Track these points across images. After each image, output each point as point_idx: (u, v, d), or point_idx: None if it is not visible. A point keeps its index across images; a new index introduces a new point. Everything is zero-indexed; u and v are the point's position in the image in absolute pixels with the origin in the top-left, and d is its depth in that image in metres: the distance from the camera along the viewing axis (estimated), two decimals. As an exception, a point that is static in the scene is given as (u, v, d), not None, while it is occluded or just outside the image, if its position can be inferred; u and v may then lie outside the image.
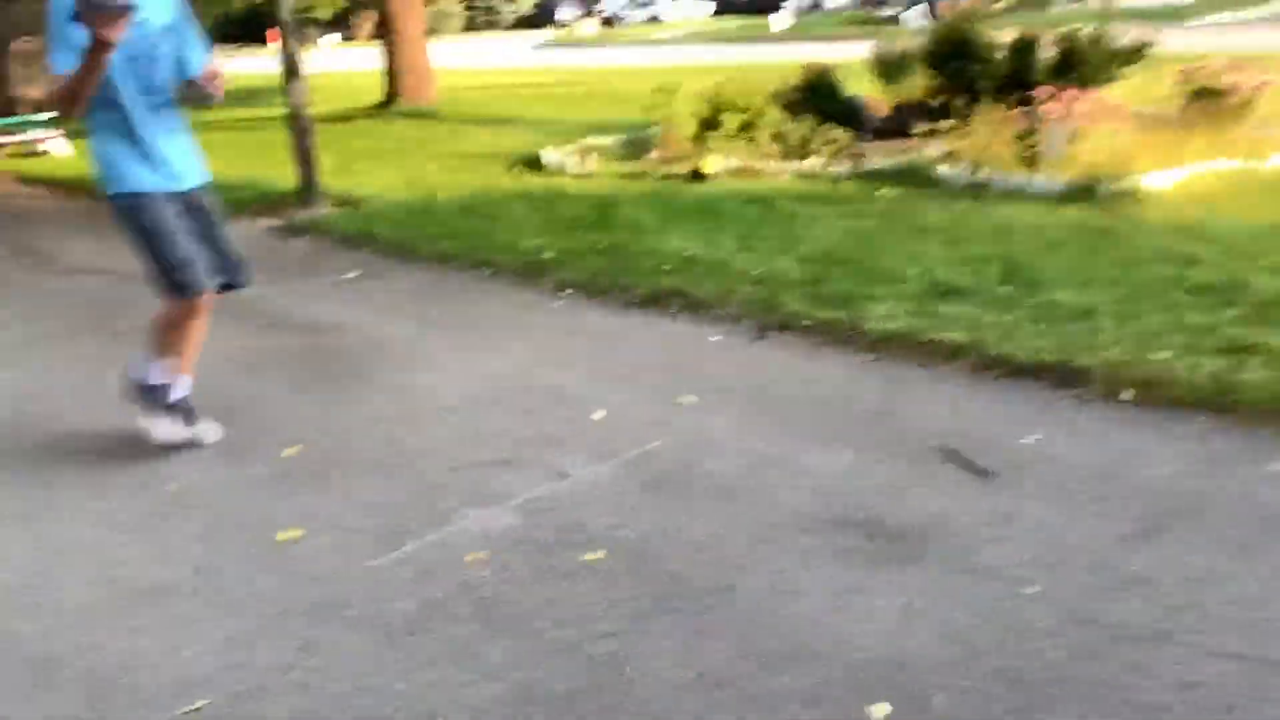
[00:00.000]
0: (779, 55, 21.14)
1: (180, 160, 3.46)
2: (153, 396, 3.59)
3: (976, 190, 6.50)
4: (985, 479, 2.98)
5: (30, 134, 12.35)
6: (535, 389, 3.95)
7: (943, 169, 6.81)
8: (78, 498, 3.28)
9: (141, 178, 3.32)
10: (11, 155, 12.16)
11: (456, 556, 2.74)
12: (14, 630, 2.57)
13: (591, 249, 5.78)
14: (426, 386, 4.08)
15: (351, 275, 5.91)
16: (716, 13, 52.36)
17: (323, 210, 7.58)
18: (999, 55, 8.38)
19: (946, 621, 2.34)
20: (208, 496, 3.22)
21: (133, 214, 3.35)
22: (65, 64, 3.06)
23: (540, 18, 56.74)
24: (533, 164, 8.96)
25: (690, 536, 2.77)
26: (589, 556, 2.70)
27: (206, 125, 14.91)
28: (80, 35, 2.95)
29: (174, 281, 3.39)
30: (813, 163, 7.67)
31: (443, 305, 5.22)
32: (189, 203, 3.47)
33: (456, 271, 5.85)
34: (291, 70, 7.64)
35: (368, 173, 9.08)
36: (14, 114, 16.57)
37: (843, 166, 7.53)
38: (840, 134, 8.32)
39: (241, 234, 7.21)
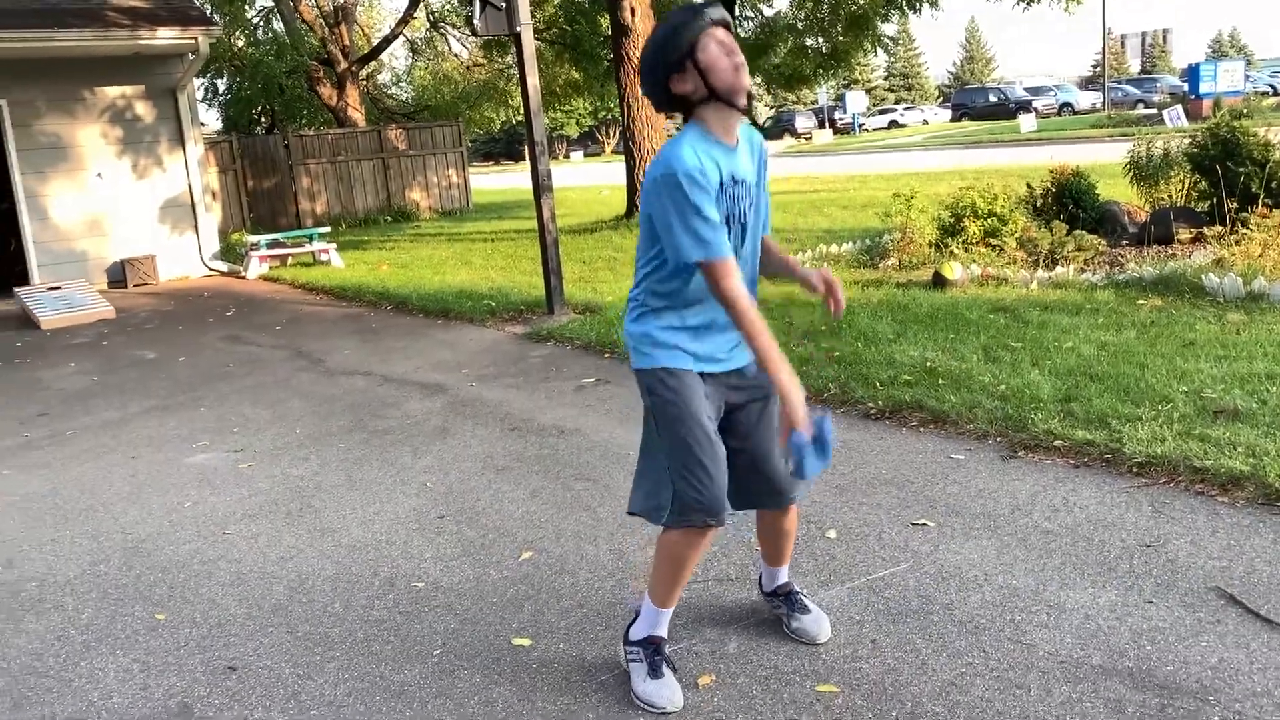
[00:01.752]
0: (1025, 158, 20.59)
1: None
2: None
3: (1252, 302, 5.96)
4: (1275, 629, 2.64)
5: (313, 245, 13.64)
6: (768, 503, 3.87)
7: (1212, 278, 6.31)
8: (333, 590, 3.46)
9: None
10: (295, 264, 13.45)
11: (688, 676, 2.68)
12: None
13: (826, 358, 5.70)
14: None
15: (590, 381, 6.08)
16: (955, 118, 51.82)
17: (565, 318, 7.89)
18: (1275, 156, 7.76)
19: (1236, 797, 2.05)
20: (450, 597, 3.32)
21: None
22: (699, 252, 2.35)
23: (777, 129, 58.00)
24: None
25: (935, 675, 2.59)
26: (823, 687, 2.58)
27: (460, 237, 16.02)
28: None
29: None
30: (1064, 270, 7.31)
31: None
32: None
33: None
34: (541, 187, 8.09)
35: (608, 282, 9.42)
36: (301, 227, 18.46)
37: (1097, 274, 7.13)
38: (1093, 240, 7.92)
39: (489, 340, 7.65)
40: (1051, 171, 9.16)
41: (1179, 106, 29.69)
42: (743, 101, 2.41)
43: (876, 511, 3.70)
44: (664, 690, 2.57)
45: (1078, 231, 7.99)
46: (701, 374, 2.57)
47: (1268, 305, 5.85)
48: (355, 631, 3.13)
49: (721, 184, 2.40)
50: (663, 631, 2.68)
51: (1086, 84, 57.85)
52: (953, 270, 7.38)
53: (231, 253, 14.35)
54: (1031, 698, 2.45)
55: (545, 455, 4.77)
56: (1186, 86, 32.84)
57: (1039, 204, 9.11)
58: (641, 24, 13.82)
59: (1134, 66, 73.75)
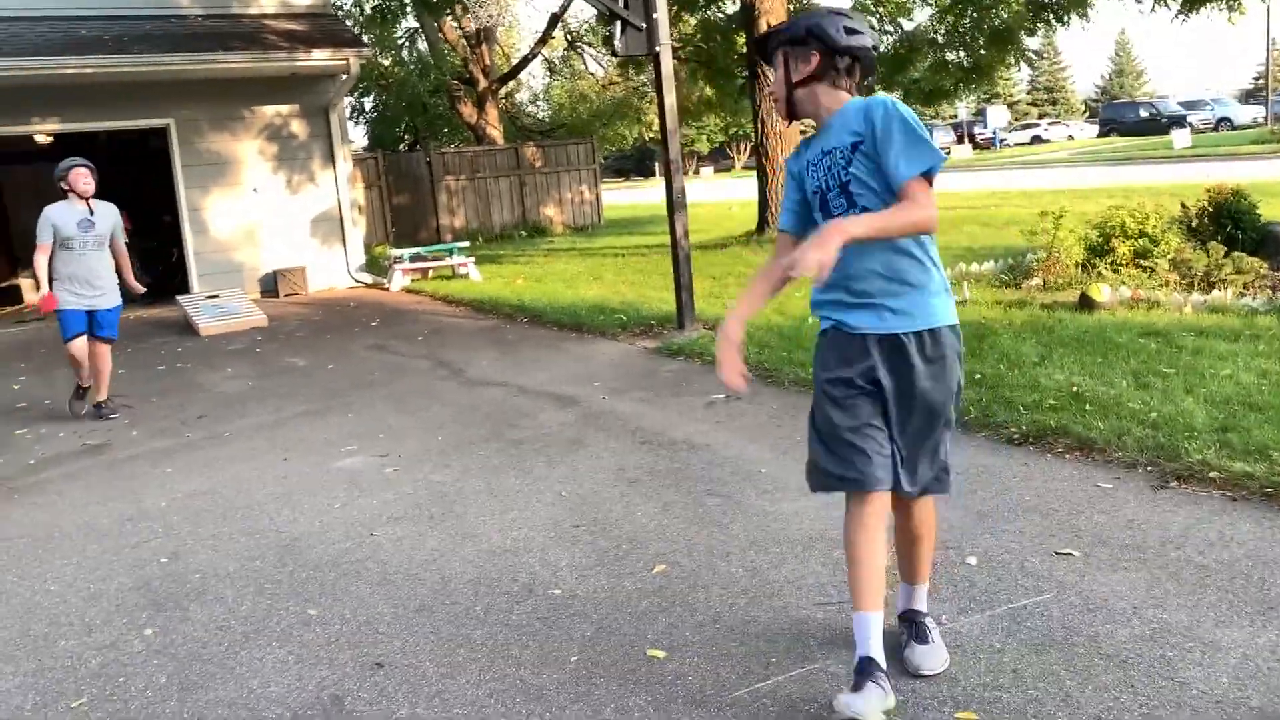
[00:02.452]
0: (1177, 176, 19.70)
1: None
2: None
3: None
4: None
5: (452, 259, 14.07)
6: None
7: (1387, 304, 5.93)
8: (475, 593, 3.57)
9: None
10: (435, 277, 13.90)
11: (821, 696, 2.67)
12: (419, 717, 2.81)
13: (967, 379, 5.56)
14: (790, 515, 4.08)
15: (720, 397, 6.10)
16: (1102, 134, 49.89)
17: (696, 333, 7.94)
18: None
19: None
20: (586, 605, 3.39)
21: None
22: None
23: (911, 143, 56.81)
24: (903, 290, 8.88)
25: (1079, 709, 2.52)
26: (963, 715, 2.53)
27: (592, 252, 16.28)
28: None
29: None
30: (1220, 294, 6.98)
31: (805, 432, 5.21)
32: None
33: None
34: (674, 204, 8.17)
35: (734, 294, 9.41)
36: (441, 241, 19.06)
37: (1257, 299, 6.78)
38: (1254, 263, 7.54)
39: (621, 354, 7.75)
40: (1208, 190, 8.76)
41: (1351, 120, 27.92)
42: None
43: (1019, 539, 3.61)
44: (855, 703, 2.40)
45: (1236, 254, 7.62)
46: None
47: None
48: (496, 635, 3.23)
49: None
50: (866, 648, 2.52)
51: (1247, 97, 54.92)
52: (1101, 292, 7.13)
53: (375, 265, 14.92)
54: (1185, 739, 2.36)
55: (676, 469, 4.81)
56: (1358, 99, 30.86)
57: (1194, 224, 8.72)
58: (777, 41, 13.81)
59: (1299, 78, 69.79)
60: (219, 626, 3.50)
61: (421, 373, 7.76)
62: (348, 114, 19.22)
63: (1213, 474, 3.92)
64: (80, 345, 6.99)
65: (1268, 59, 44.45)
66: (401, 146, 28.00)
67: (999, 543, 3.59)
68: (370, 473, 5.22)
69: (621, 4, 7.80)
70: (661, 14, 7.84)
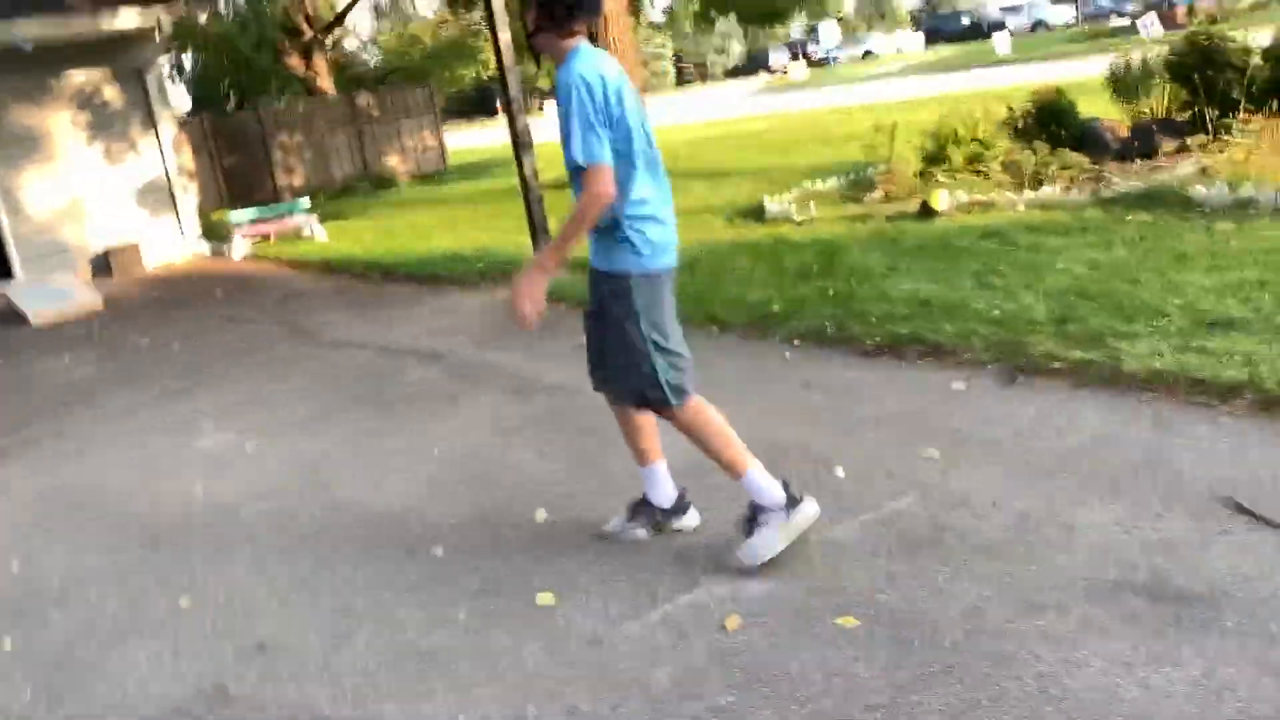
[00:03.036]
0: (1003, 80, 20.45)
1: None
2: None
3: (1240, 209, 5.99)
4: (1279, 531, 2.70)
5: (293, 219, 13.54)
6: (774, 445, 3.90)
7: (1198, 189, 6.32)
8: (354, 562, 3.50)
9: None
10: (279, 241, 13.37)
11: (712, 620, 2.74)
12: (308, 695, 2.76)
13: (820, 297, 5.73)
14: (665, 446, 4.11)
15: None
16: (928, 44, 51.32)
17: (558, 271, 7.86)
18: (1254, 61, 7.74)
19: (1255, 692, 2.12)
20: (473, 561, 3.37)
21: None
22: (599, 155, 2.73)
23: (751, 66, 57.44)
24: (754, 214, 9.01)
25: (955, 603, 2.65)
26: (844, 621, 2.63)
27: (441, 201, 15.90)
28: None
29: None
30: (1050, 191, 7.31)
31: (676, 362, 5.27)
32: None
33: (686, 329, 5.85)
34: (520, 144, 8.03)
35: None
36: (279, 201, 18.31)
37: (1083, 193, 7.13)
38: (1077, 158, 7.91)
39: (480, 304, 7.64)
40: (1033, 93, 9.11)
41: (1153, 14, 29.42)
42: None
43: (882, 447, 3.75)
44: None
45: (1061, 150, 7.97)
46: None
47: (1255, 211, 5.87)
48: (381, 601, 3.18)
49: None
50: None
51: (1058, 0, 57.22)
52: (939, 199, 7.38)
53: (214, 233, 14.23)
54: (1050, 618, 2.51)
55: (553, 415, 4.80)
56: (1160, -5, 32.54)
57: (1020, 126, 9.06)
58: (608, -30, 13.63)
59: (1106, -23, 73.01)
60: (85, 628, 3.34)
61: (277, 341, 7.49)
62: (166, 74, 18.09)
63: (1056, 364, 4.14)
64: None
65: (1077, -39, 46.29)
66: (229, 106, 26.64)
67: (864, 451, 3.72)
68: (232, 451, 5.03)
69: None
70: (487, -51, 7.61)
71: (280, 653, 2.98)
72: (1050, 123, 8.80)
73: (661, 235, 2.97)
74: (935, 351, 4.61)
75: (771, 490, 3.00)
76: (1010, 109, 9.23)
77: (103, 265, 12.90)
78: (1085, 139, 8.55)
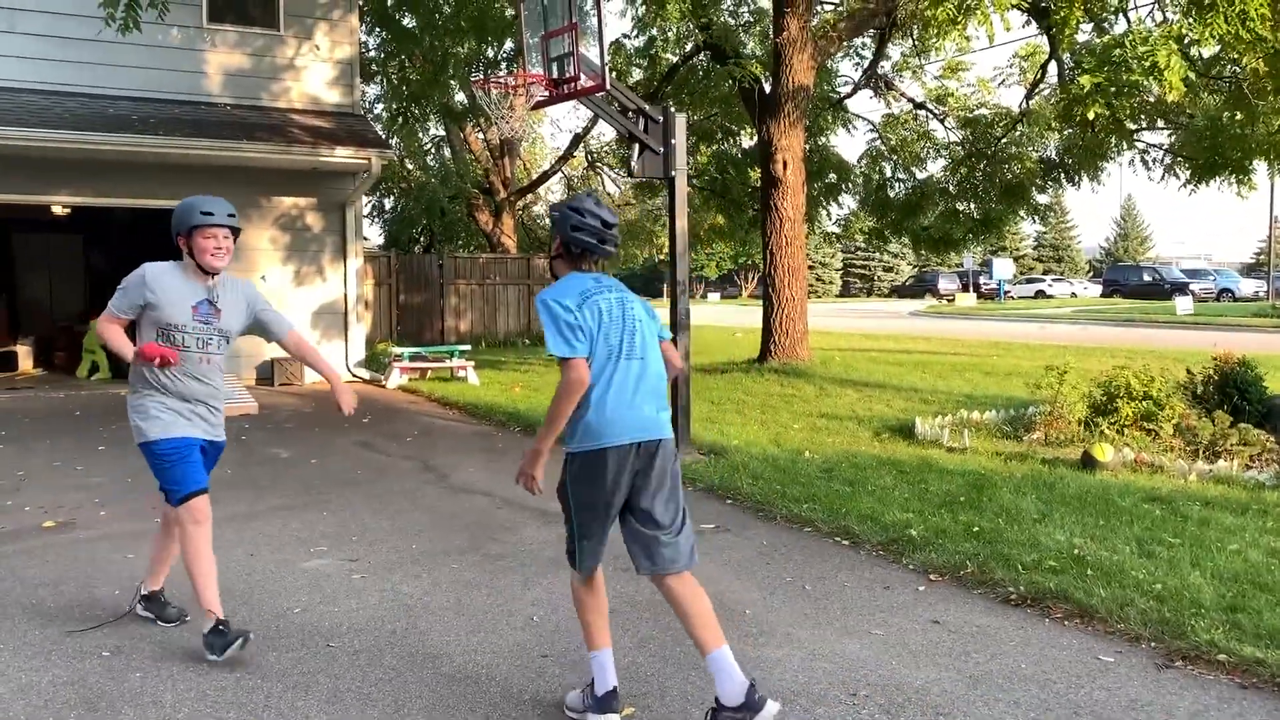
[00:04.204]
0: (1179, 341, 19.79)
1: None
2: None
3: None
4: None
5: (452, 361, 13.99)
6: (891, 686, 3.59)
7: (1399, 489, 5.77)
8: (428, 716, 3.32)
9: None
10: (434, 378, 13.79)
11: None
12: None
13: (964, 532, 5.40)
14: (773, 663, 3.84)
15: (709, 527, 5.89)
16: (1105, 294, 50.53)
17: (690, 458, 7.76)
18: None
19: None
20: (544, 746, 3.14)
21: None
22: (566, 351, 3.20)
23: (918, 288, 57.69)
24: (903, 432, 8.75)
25: None
26: None
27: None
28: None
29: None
30: (1226, 465, 6.82)
31: (798, 572, 5.01)
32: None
33: (815, 536, 5.66)
34: (679, 324, 8.10)
35: (736, 425, 9.28)
36: (444, 342, 19.05)
37: (1264, 473, 6.62)
38: (1260, 435, 7.41)
39: (613, 473, 7.55)
40: (1215, 358, 8.69)
41: (1352, 302, 28.22)
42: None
43: (1014, 710, 3.38)
44: None
45: (1242, 425, 7.49)
46: None
47: None
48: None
49: None
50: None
51: (1249, 271, 55.82)
52: (1105, 452, 6.98)
53: (375, 362, 14.84)
54: None
55: (658, 602, 4.57)
56: (1361, 280, 31.26)
57: (1199, 391, 8.61)
58: (792, 176, 14.02)
59: (1301, 256, 71.03)
60: (149, 735, 3.24)
61: (405, 474, 7.57)
62: (366, 212, 19.48)
63: (1221, 656, 3.70)
64: (202, 506, 4.00)
65: (1270, 235, 45.33)
66: (416, 248, 28.31)
67: (993, 713, 3.36)
68: (337, 577, 4.99)
69: (642, 128, 7.89)
70: (680, 140, 7.92)
71: None
72: (1233, 393, 8.33)
73: (598, 421, 3.23)
74: (1084, 614, 4.22)
75: (602, 679, 3.29)
76: (1190, 372, 8.81)
77: (267, 373, 13.54)
78: (1269, 415, 8.03)
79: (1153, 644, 3.90)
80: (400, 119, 18.47)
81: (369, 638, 4.12)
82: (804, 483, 6.70)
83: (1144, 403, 8.19)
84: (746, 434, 8.72)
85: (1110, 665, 3.75)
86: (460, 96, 20.64)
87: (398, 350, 14.16)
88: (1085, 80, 7.33)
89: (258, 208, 13.63)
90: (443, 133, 27.45)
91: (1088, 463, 7.01)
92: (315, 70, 14.19)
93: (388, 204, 30.70)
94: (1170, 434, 7.80)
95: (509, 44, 17.61)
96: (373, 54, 18.59)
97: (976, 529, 5.44)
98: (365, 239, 18.16)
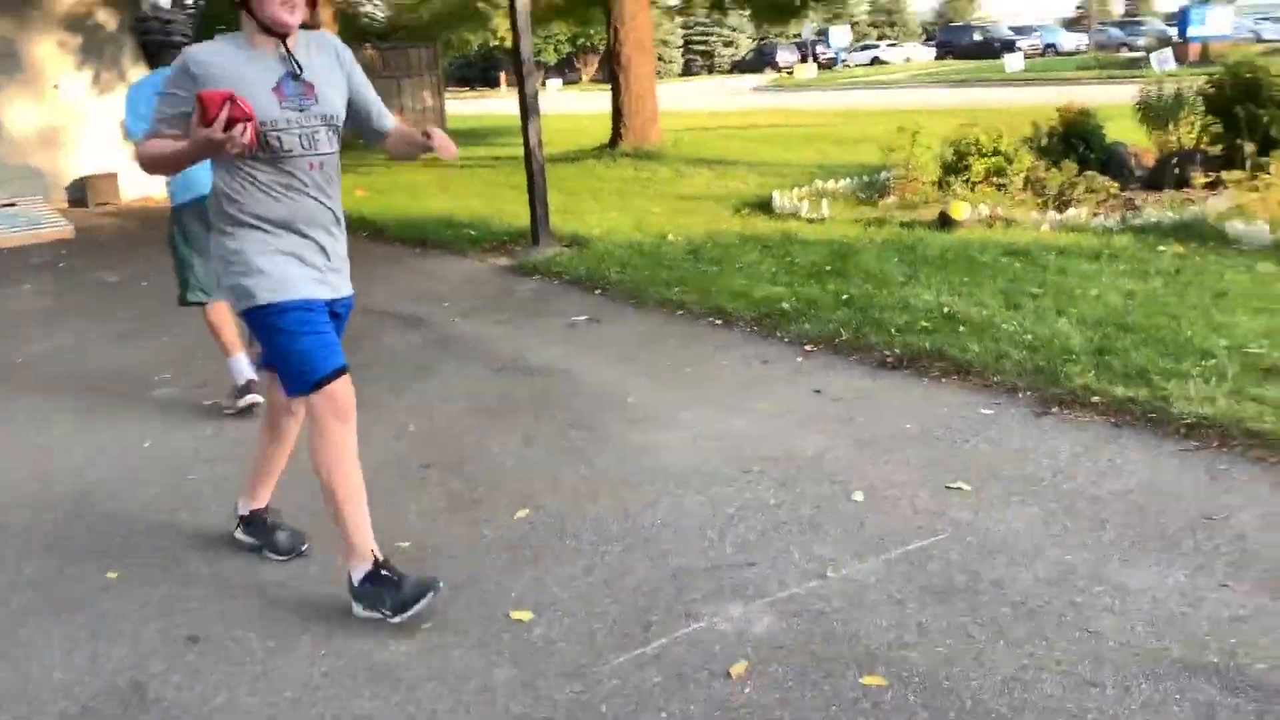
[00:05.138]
0: (1013, 99, 20.14)
1: None
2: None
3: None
4: (1371, 621, 2.37)
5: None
6: (782, 459, 3.56)
7: (1236, 225, 6.00)
8: (311, 552, 3.12)
9: None
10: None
11: (712, 662, 2.37)
12: (253, 698, 2.38)
13: (835, 300, 5.37)
14: (662, 447, 3.76)
15: (582, 319, 5.71)
16: (939, 56, 51.04)
17: (552, 250, 7.49)
18: (1299, 99, 7.43)
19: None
20: (439, 560, 2.99)
21: None
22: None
23: (758, 62, 56.96)
24: (761, 207, 8.65)
25: (994, 668, 2.30)
26: (870, 680, 2.28)
27: (436, 163, 15.40)
28: None
29: None
30: (1075, 213, 6.98)
31: (676, 356, 4.91)
32: None
33: (689, 319, 5.55)
34: (528, 108, 7.62)
35: (595, 213, 8.99)
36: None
37: (1111, 218, 6.80)
38: (1105, 182, 7.58)
39: (472, 272, 7.24)
40: (1059, 110, 8.78)
41: (1168, 50, 29.17)
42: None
43: (905, 470, 3.40)
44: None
45: (1089, 173, 7.64)
46: None
47: (1298, 255, 5.56)
48: (333, 599, 2.79)
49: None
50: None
51: (1070, 25, 57.03)
52: (961, 210, 7.03)
53: (197, 173, 13.72)
54: (1108, 697, 2.16)
55: (537, 398, 4.41)
56: (1174, 30, 32.32)
57: (1044, 144, 8.73)
58: (631, -57, 13.19)
59: (1118, 9, 72.95)
60: (0, 591, 2.94)
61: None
62: (166, 2, 17.55)
63: (1095, 399, 3.79)
64: (346, 392, 2.82)
65: (1092, -11, 46.15)
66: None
67: (884, 475, 3.37)
68: (187, 405, 4.62)
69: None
70: (511, -101, 7.18)
71: (213, 648, 2.60)
72: (1077, 143, 8.48)
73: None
74: (961, 370, 4.26)
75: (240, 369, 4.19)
76: (1035, 125, 8.89)
77: (79, 193, 12.39)
78: (1111, 162, 8.23)
79: (1029, 393, 3.98)
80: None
81: (231, 465, 3.80)
82: (671, 266, 6.55)
83: (994, 158, 8.24)
84: (606, 221, 8.46)
85: (991, 417, 3.81)
86: None
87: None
88: None
89: (36, 8, 12.03)
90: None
91: (945, 222, 7.05)
92: None
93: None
94: (1020, 187, 7.92)
95: None
96: None
97: (846, 297, 5.42)
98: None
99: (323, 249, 2.70)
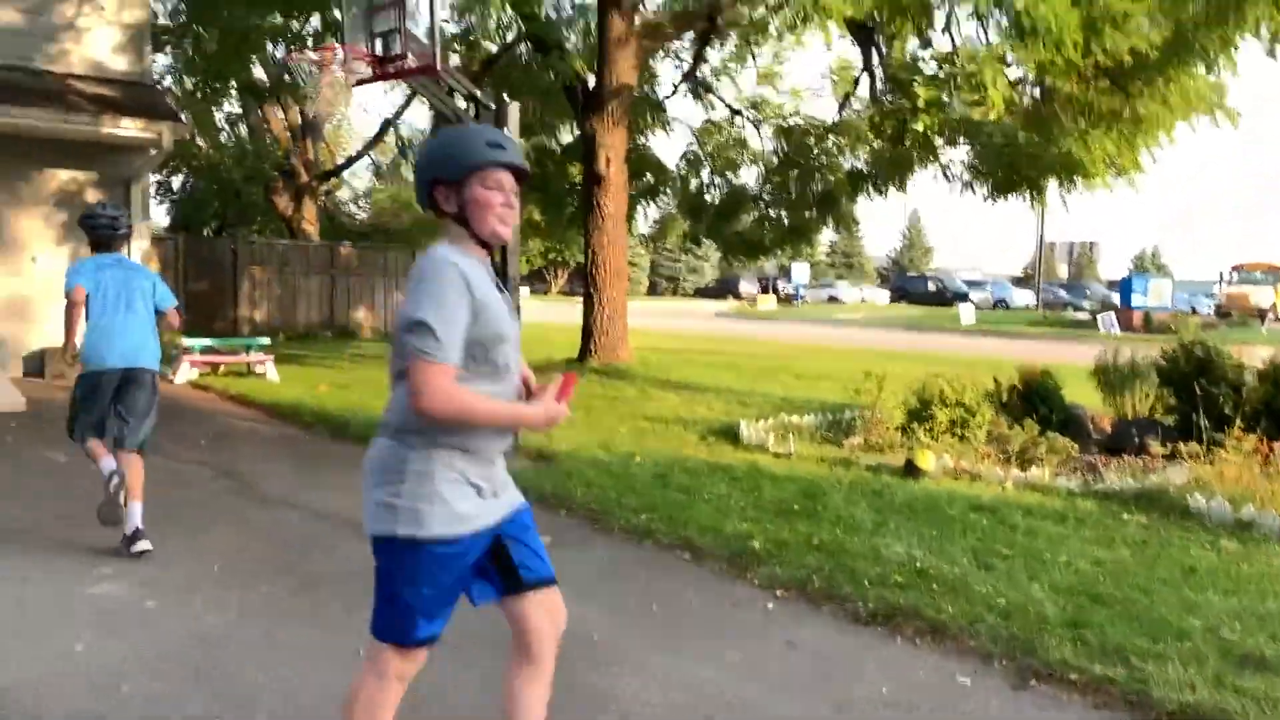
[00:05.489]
0: (968, 347, 20.95)
1: None
2: None
3: (1242, 529, 5.75)
4: None
5: (250, 355, 13.04)
6: (753, 717, 3.40)
7: (1198, 499, 6.11)
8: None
9: None
10: (228, 372, 12.82)
11: None
12: None
13: (805, 543, 5.31)
14: (631, 694, 3.59)
15: (546, 539, 5.56)
16: (893, 299, 53.38)
17: (517, 464, 7.41)
18: (1248, 380, 7.76)
19: None
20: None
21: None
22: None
23: (721, 289, 59.13)
24: (728, 435, 8.70)
25: None
26: None
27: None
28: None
29: None
30: (1038, 472, 7.08)
31: (642, 591, 4.78)
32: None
33: (656, 548, 5.45)
34: (508, 324, 7.74)
35: (561, 429, 8.95)
36: (237, 334, 17.83)
37: (1074, 480, 6.91)
38: (1065, 444, 7.75)
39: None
40: (1020, 369, 9.09)
41: (1112, 314, 30.87)
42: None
43: (884, 742, 3.25)
44: None
45: (1051, 434, 7.82)
46: None
47: (1260, 535, 5.63)
48: None
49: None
50: None
51: (1018, 283, 60.22)
52: (928, 459, 7.11)
53: (162, 353, 13.66)
54: None
55: (500, 631, 4.22)
56: (1118, 297, 34.21)
57: (1005, 399, 8.99)
58: (616, 174, 13.87)
59: (1062, 272, 77.38)
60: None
61: (202, 484, 6.87)
62: (153, 191, 17.97)
63: (1073, 675, 3.71)
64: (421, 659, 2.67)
65: (1040, 251, 49.09)
66: (207, 231, 26.53)
67: (863, 745, 3.22)
68: (128, 605, 4.38)
69: (472, 115, 7.49)
70: (513, 130, 7.55)
71: None
72: (1036, 401, 8.72)
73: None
74: (935, 631, 4.17)
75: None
76: (996, 381, 9.17)
77: (37, 365, 12.24)
78: (1070, 424, 8.45)
79: (1005, 662, 3.88)
80: (197, 93, 17.13)
81: (168, 681, 3.59)
82: (639, 491, 6.49)
83: (957, 409, 8.44)
84: (573, 437, 8.45)
85: (968, 689, 3.70)
86: (261, 74, 19.42)
87: (187, 341, 13.07)
88: (922, 93, 7.47)
89: (28, 181, 12.28)
90: (239, 109, 25.83)
91: (911, 470, 7.12)
92: (100, 33, 12.89)
93: (175, 183, 28.67)
94: (983, 440, 8.06)
95: (315, 20, 16.66)
96: (165, 21, 17.17)
97: (816, 541, 5.36)
98: (150, 220, 16.75)
99: (498, 472, 2.55)
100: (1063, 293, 48.98)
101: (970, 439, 8.16)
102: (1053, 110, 10.77)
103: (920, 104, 7.53)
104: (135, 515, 5.14)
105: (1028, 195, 13.32)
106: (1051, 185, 13.14)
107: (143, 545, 5.04)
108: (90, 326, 5.37)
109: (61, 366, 12.00)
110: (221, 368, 12.96)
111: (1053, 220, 66.39)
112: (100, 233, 5.55)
